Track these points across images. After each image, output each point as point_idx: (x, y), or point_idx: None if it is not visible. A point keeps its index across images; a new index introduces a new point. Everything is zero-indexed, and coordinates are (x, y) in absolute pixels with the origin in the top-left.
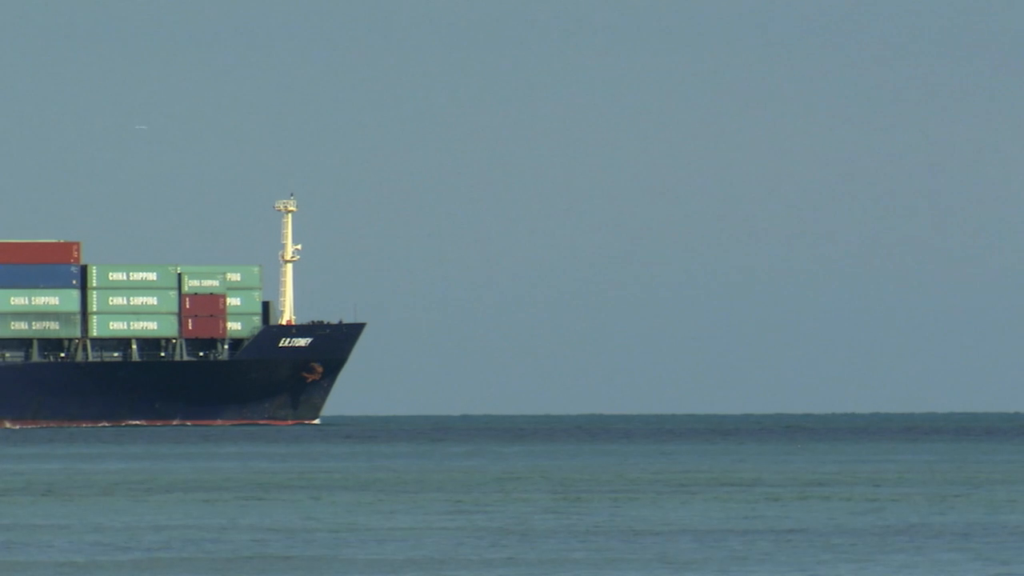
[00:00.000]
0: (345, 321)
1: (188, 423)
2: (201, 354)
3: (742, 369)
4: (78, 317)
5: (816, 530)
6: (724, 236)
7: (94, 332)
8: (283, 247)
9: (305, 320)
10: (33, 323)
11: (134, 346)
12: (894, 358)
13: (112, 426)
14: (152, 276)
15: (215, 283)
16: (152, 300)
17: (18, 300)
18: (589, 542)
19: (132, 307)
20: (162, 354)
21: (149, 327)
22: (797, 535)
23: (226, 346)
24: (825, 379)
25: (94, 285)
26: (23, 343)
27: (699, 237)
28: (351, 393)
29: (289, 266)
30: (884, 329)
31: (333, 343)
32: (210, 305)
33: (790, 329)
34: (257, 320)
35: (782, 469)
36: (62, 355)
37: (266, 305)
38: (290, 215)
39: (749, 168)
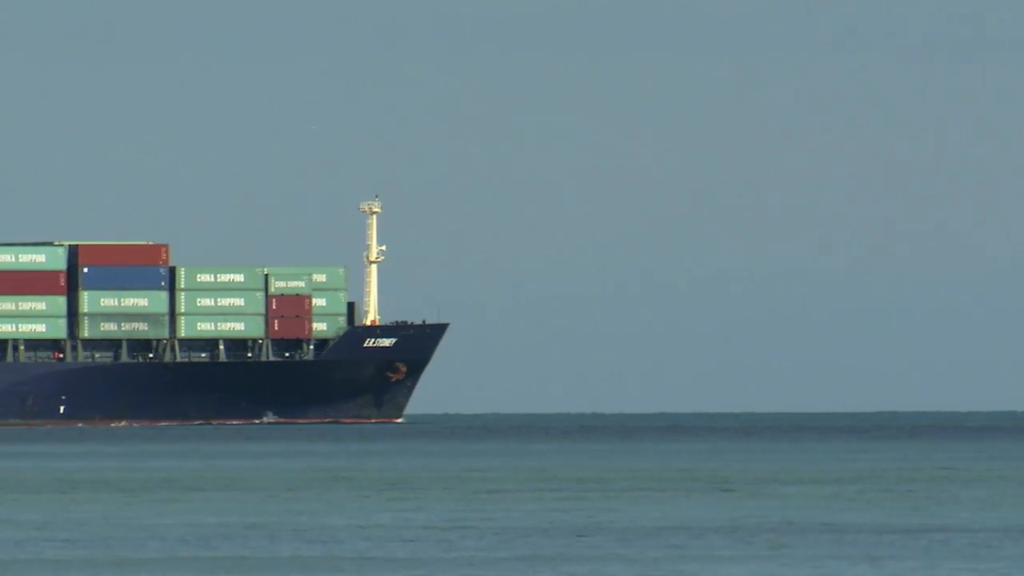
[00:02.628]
0: (428, 321)
1: (275, 422)
2: (287, 354)
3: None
4: (166, 318)
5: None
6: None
7: (182, 333)
8: (368, 248)
9: (389, 320)
10: (122, 324)
11: (221, 346)
12: (895, 358)
13: (203, 424)
14: (239, 277)
15: (301, 284)
16: (239, 301)
17: (108, 301)
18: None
19: (219, 308)
20: (249, 354)
21: (236, 328)
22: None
23: (311, 346)
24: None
25: (182, 286)
26: (112, 344)
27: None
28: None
29: (374, 267)
30: (885, 329)
31: (417, 343)
32: (296, 306)
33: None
34: (342, 321)
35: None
36: (150, 356)
37: (351, 306)
38: (375, 216)
39: (762, 168)
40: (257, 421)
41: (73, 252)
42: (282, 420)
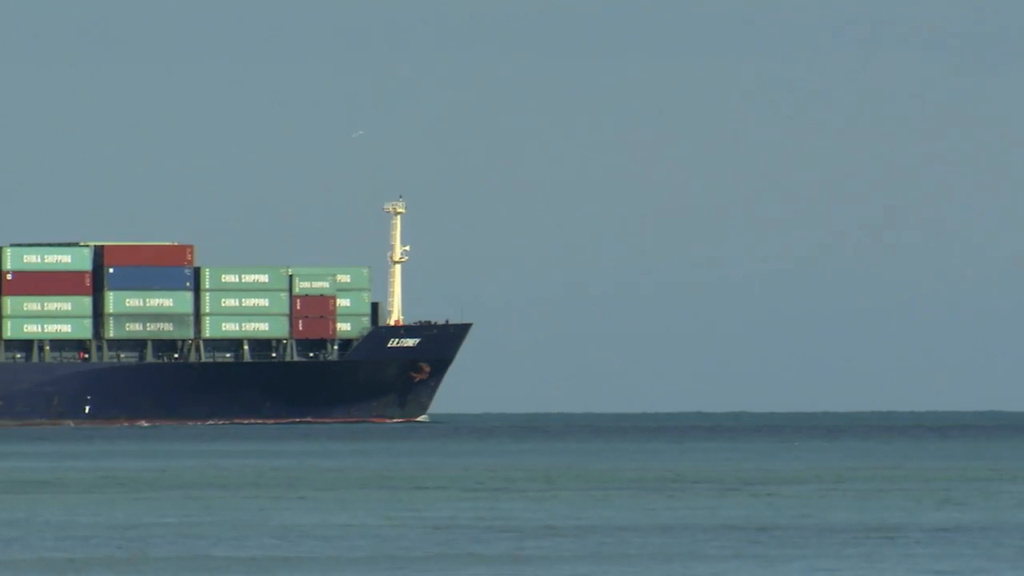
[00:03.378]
0: (452, 321)
1: (298, 421)
2: (311, 354)
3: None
4: (191, 318)
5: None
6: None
7: (207, 333)
8: (392, 249)
9: (413, 320)
10: (148, 324)
11: (246, 347)
12: (897, 357)
13: (226, 424)
14: (264, 278)
15: (325, 284)
16: (264, 302)
17: (133, 302)
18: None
19: (244, 308)
20: (273, 355)
21: (261, 328)
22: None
23: (335, 346)
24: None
25: (207, 287)
26: (138, 344)
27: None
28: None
29: (397, 267)
30: (885, 328)
31: (440, 343)
32: (320, 306)
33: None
34: (366, 321)
35: None
36: (175, 356)
37: (375, 306)
38: (399, 217)
39: (763, 168)
40: (269, 422)
41: (99, 253)
42: (306, 420)
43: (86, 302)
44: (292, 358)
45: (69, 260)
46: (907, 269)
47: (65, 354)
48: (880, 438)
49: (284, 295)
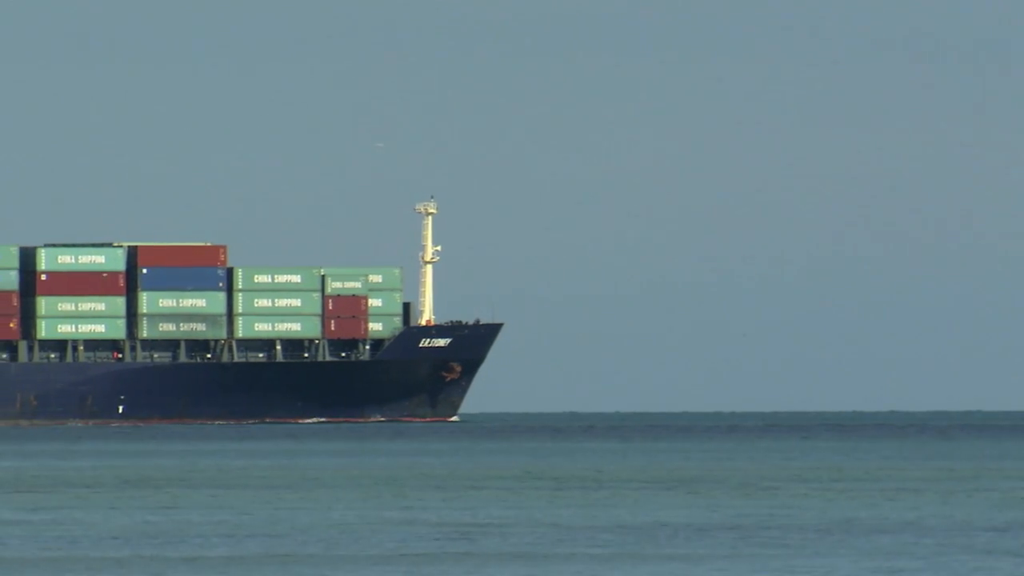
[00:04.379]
0: (483, 321)
1: (329, 421)
2: (343, 354)
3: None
4: (224, 319)
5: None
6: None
7: (239, 333)
8: (423, 249)
9: (444, 320)
10: (181, 324)
11: (278, 347)
12: (898, 356)
13: (259, 423)
14: (296, 278)
15: (357, 285)
16: (296, 302)
17: (166, 302)
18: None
19: (276, 308)
20: (305, 355)
21: (293, 328)
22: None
23: (367, 346)
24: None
25: (240, 287)
26: (171, 344)
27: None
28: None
29: (429, 267)
30: (886, 328)
31: (471, 343)
32: (352, 306)
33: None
34: (398, 321)
35: None
36: (208, 356)
37: (407, 306)
38: (430, 217)
39: (766, 168)
40: (307, 421)
41: (132, 253)
42: (337, 420)
43: (120, 302)
44: (324, 358)
45: (103, 261)
46: (907, 268)
47: (99, 354)
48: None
49: (316, 295)
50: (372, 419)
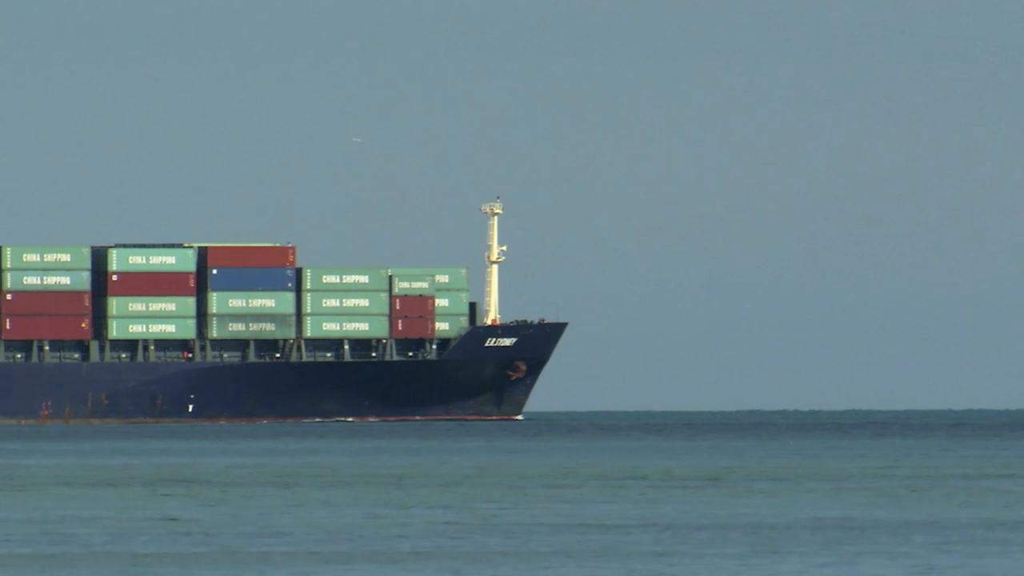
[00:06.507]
0: (548, 321)
1: (396, 419)
2: (410, 354)
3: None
4: (293, 319)
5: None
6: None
7: (308, 333)
8: (489, 249)
9: (509, 320)
10: (250, 324)
11: (346, 346)
12: (900, 355)
13: (327, 422)
14: (364, 279)
15: (424, 285)
16: (364, 302)
17: (236, 302)
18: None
19: (345, 308)
20: (373, 354)
21: (361, 328)
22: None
23: (434, 346)
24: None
25: (308, 287)
26: (240, 344)
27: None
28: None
29: (495, 267)
30: (888, 327)
31: (536, 342)
32: (419, 306)
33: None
34: (464, 320)
35: None
36: (277, 355)
37: (473, 306)
38: (496, 218)
39: (767, 168)
40: (373, 419)
41: (202, 254)
42: (405, 418)
43: (190, 303)
44: (391, 357)
45: (173, 261)
46: (908, 267)
47: (169, 354)
48: None
49: (384, 295)
50: (438, 417)
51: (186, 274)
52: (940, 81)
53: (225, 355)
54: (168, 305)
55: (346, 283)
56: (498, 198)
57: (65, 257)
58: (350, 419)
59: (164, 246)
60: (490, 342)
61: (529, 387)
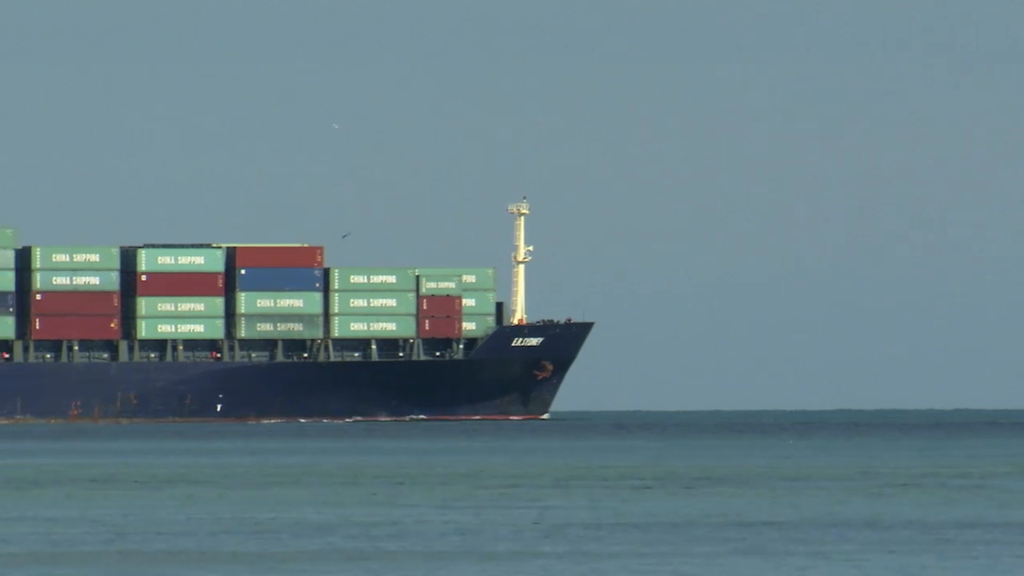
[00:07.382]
0: (574, 321)
1: (424, 419)
2: (437, 354)
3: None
4: (320, 319)
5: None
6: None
7: (335, 333)
8: (516, 249)
9: (536, 320)
10: (278, 324)
11: (373, 346)
12: (900, 355)
13: (354, 422)
14: (391, 279)
15: (451, 285)
16: (391, 302)
17: (264, 303)
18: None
19: (372, 308)
20: (400, 354)
21: (388, 328)
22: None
23: (461, 345)
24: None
25: (336, 288)
26: (268, 343)
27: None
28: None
29: (521, 267)
30: (889, 327)
31: (563, 342)
32: (446, 306)
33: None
34: (491, 320)
35: None
36: (305, 355)
37: (499, 306)
38: (523, 218)
39: (767, 169)
40: (407, 419)
41: (231, 254)
42: (431, 418)
43: (218, 303)
44: (419, 357)
45: (202, 261)
46: (907, 267)
47: (197, 354)
48: None
49: (411, 295)
50: (465, 416)
51: (214, 274)
52: (940, 81)
53: (253, 355)
54: (196, 305)
55: (373, 283)
56: (524, 198)
57: (94, 257)
58: (382, 418)
59: (192, 246)
60: (517, 342)
61: (555, 387)
